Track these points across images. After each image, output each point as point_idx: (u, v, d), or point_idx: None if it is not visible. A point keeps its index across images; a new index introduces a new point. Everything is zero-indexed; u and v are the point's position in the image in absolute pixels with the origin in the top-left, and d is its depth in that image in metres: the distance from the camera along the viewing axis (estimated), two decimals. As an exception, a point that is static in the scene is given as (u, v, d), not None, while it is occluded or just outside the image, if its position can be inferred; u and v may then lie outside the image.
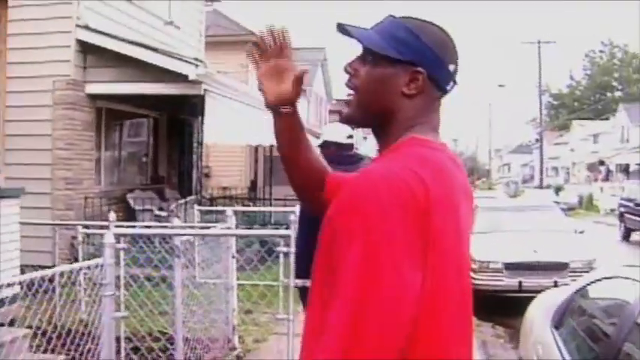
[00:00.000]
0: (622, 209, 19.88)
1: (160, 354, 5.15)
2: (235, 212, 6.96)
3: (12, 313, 4.57)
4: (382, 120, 1.43)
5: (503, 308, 7.97)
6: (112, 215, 6.59)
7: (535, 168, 54.97)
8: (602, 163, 51.99)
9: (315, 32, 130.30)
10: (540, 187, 39.38)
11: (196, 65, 9.78)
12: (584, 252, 9.31)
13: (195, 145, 12.72)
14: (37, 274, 3.73)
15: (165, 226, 7.58)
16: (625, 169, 44.57)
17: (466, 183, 1.46)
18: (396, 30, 1.41)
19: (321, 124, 31.04)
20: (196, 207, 10.36)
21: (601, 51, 67.37)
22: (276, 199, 14.78)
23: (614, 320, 3.14)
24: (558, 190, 37.25)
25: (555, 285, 7.67)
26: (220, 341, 5.51)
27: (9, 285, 4.19)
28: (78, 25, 9.79)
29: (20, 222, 5.88)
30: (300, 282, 3.91)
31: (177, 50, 11.02)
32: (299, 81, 1.59)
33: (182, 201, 11.30)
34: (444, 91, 1.45)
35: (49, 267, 5.41)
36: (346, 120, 1.47)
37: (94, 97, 10.24)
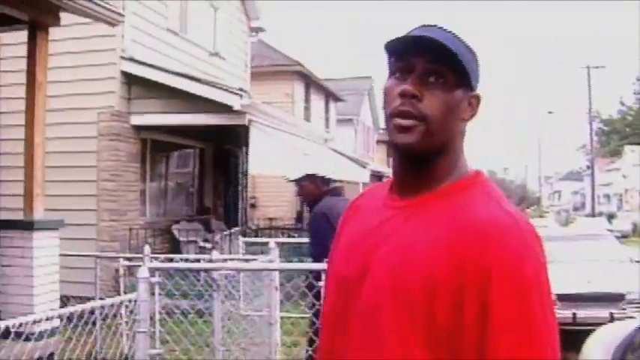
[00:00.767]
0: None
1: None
2: (281, 244, 6.82)
3: (51, 346, 4.50)
4: (442, 149, 1.30)
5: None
6: (147, 249, 6.52)
7: (586, 195, 53.72)
8: (656, 189, 50.47)
9: (362, 61, 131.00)
10: (592, 214, 38.38)
11: (241, 95, 9.79)
12: (642, 283, 8.87)
13: (240, 175, 12.72)
14: (74, 309, 3.65)
15: (201, 260, 7.48)
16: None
17: None
18: (458, 47, 1.26)
19: (369, 154, 30.92)
20: (241, 238, 10.28)
21: (652, 75, 65.96)
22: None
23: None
24: (611, 217, 36.23)
25: (611, 317, 7.29)
26: (262, 377, 5.34)
27: (48, 319, 4.12)
28: (123, 57, 9.92)
29: (61, 254, 5.87)
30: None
31: (222, 81, 11.08)
32: None
33: (227, 232, 11.25)
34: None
35: (91, 299, 5.36)
36: (410, 149, 1.27)
37: (138, 129, 10.33)
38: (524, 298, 1.14)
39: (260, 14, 15.36)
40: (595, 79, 73.75)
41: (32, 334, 4.31)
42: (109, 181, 9.76)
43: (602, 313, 7.78)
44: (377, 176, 24.05)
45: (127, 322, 5.58)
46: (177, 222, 11.84)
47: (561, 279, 8.82)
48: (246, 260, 6.95)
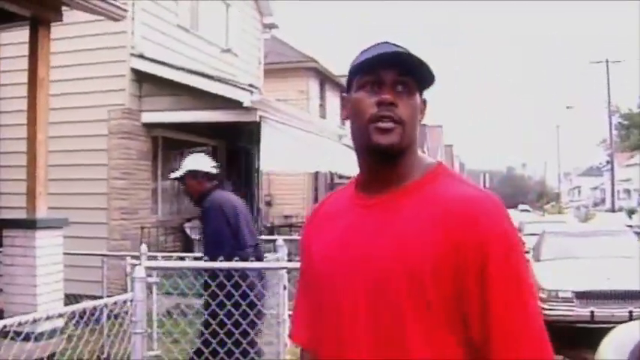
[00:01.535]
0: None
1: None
2: (290, 241, 6.69)
3: (51, 346, 4.42)
4: (410, 148, 1.49)
5: (574, 340, 7.43)
6: (144, 247, 6.43)
7: (606, 191, 53.06)
8: (678, 184, 49.75)
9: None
10: (612, 210, 37.87)
11: (251, 92, 9.69)
12: (662, 280, 8.64)
13: (254, 173, 12.62)
14: (73, 307, 3.56)
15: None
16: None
17: None
18: (418, 59, 1.45)
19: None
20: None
21: (673, 68, 64.94)
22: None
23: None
24: (631, 213, 35.69)
25: (630, 315, 7.10)
26: (270, 377, 5.21)
27: (48, 318, 4.02)
28: (133, 54, 9.86)
29: (68, 253, 5.80)
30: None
31: (235, 78, 10.98)
32: None
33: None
34: None
35: (98, 298, 5.27)
36: (391, 149, 1.45)
37: (149, 126, 10.26)
38: (514, 259, 1.38)
39: (273, 11, 15.25)
40: (614, 73, 72.90)
41: (32, 333, 4.23)
42: (120, 180, 9.70)
43: (622, 311, 7.59)
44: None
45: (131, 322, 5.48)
46: (189, 220, 11.76)
47: (580, 275, 8.65)
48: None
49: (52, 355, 4.40)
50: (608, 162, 47.35)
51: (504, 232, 1.39)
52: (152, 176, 10.70)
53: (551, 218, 24.43)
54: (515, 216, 22.53)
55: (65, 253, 5.74)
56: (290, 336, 1.77)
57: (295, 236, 11.99)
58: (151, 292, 4.19)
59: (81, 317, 3.72)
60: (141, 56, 9.90)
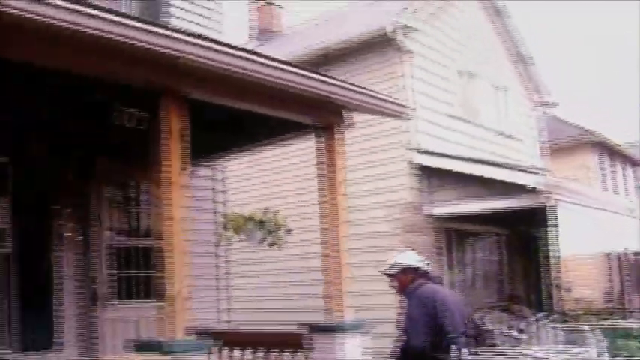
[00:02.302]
0: None
1: None
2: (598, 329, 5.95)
3: None
4: None
5: None
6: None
7: None
8: None
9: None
10: None
11: (539, 174, 9.19)
12: None
13: (545, 258, 11.84)
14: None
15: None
16: None
17: None
18: None
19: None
20: (549, 324, 9.39)
21: None
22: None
23: None
24: None
25: None
26: None
27: None
28: (413, 149, 9.96)
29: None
30: None
31: (513, 161, 10.56)
32: None
33: (533, 318, 10.42)
34: None
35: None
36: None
37: (434, 219, 10.16)
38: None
39: (549, 89, 14.67)
40: None
41: None
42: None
43: None
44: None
45: None
46: (480, 309, 11.29)
47: None
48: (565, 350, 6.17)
49: None
50: None
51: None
52: (440, 268, 10.50)
53: None
54: None
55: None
56: None
57: (603, 323, 10.82)
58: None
59: None
60: (421, 150, 9.98)
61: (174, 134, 4.63)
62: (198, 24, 8.20)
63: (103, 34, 3.88)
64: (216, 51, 4.55)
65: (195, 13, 8.35)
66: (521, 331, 9.88)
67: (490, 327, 10.63)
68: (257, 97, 5.25)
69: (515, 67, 13.83)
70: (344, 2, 15.88)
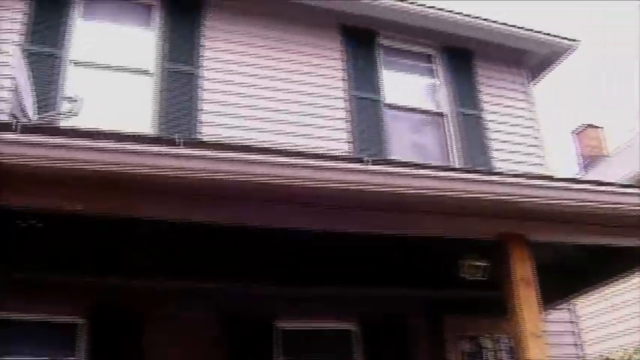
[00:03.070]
0: None
1: None
2: None
3: None
4: None
5: None
6: None
7: None
8: None
9: None
10: None
11: None
12: None
13: None
14: None
15: None
16: None
17: None
18: None
19: None
20: None
21: None
22: None
23: None
24: None
25: None
26: None
27: None
28: None
29: None
30: None
31: None
32: None
33: None
34: None
35: None
36: None
37: None
38: None
39: None
40: None
41: None
42: None
43: None
44: None
45: None
46: None
47: None
48: None
49: None
50: None
51: None
52: None
53: None
54: None
55: None
56: None
57: None
58: None
59: None
60: None
61: (522, 281, 4.42)
62: (519, 162, 8.12)
63: (447, 192, 3.99)
64: (554, 188, 4.36)
65: (514, 152, 8.30)
66: None
67: None
68: (596, 229, 4.84)
69: None
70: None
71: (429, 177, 3.97)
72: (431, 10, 8.19)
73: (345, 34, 8.02)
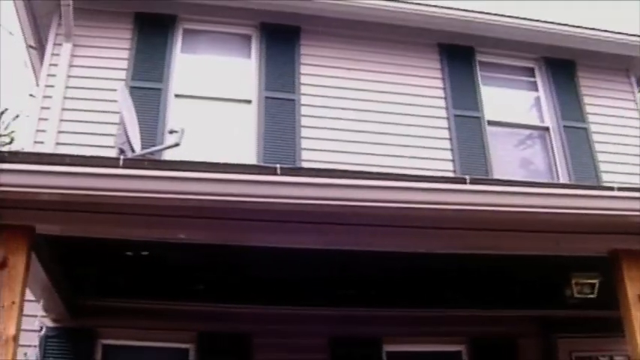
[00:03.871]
0: None
1: None
2: None
3: None
4: None
5: None
6: None
7: None
8: None
9: None
10: None
11: None
12: None
13: None
14: None
15: None
16: None
17: None
18: None
19: None
20: None
21: None
22: None
23: None
24: None
25: None
26: None
27: None
28: None
29: None
30: None
31: None
32: None
33: None
34: None
35: None
36: None
37: None
38: None
39: None
40: None
41: None
42: None
43: None
44: None
45: None
46: None
47: None
48: None
49: None
50: None
51: None
52: None
53: None
54: None
55: None
56: None
57: None
58: None
59: None
60: None
61: (637, 299, 4.23)
62: (629, 174, 7.77)
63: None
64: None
65: (623, 164, 7.96)
66: None
67: None
68: None
69: None
70: None
71: (535, 194, 3.89)
72: (531, 23, 8.05)
73: (443, 53, 8.00)
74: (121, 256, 4.76)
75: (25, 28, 7.45)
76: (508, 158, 7.89)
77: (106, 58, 7.03)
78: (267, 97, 7.22)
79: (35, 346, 4.94)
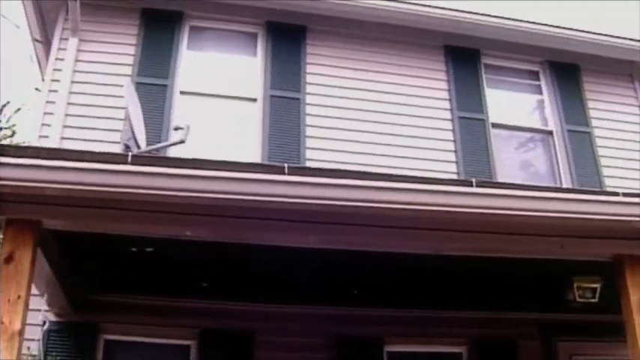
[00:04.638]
0: None
1: None
2: None
3: None
4: None
5: None
6: None
7: None
8: None
9: None
10: None
11: None
12: None
13: None
14: None
15: None
16: None
17: None
18: None
19: None
20: None
21: None
22: None
23: None
24: None
25: None
26: None
27: None
28: None
29: None
30: None
31: None
32: None
33: None
34: None
35: None
36: None
37: None
38: None
39: None
40: None
41: None
42: None
43: None
44: None
45: None
46: None
47: None
48: None
49: None
50: None
51: None
52: None
53: None
54: None
55: None
56: None
57: None
58: None
59: None
60: None
61: (638, 304, 4.24)
62: (633, 179, 7.77)
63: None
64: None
65: (627, 169, 7.96)
66: None
67: None
68: None
69: None
70: None
71: (541, 198, 3.90)
72: (536, 27, 8.05)
73: (449, 55, 8.00)
74: (125, 252, 4.76)
75: (31, 22, 7.45)
76: (511, 161, 7.89)
77: (113, 54, 7.03)
78: (272, 96, 7.23)
79: (38, 341, 4.93)
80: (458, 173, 7.27)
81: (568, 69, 8.39)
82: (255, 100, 7.26)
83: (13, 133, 16.25)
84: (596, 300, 5.52)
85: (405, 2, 7.68)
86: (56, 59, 6.90)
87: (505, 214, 3.82)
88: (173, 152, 6.41)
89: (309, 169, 4.54)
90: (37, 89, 12.16)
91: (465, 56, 8.05)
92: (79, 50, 6.92)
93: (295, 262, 4.96)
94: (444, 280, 5.53)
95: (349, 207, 3.66)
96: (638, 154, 8.05)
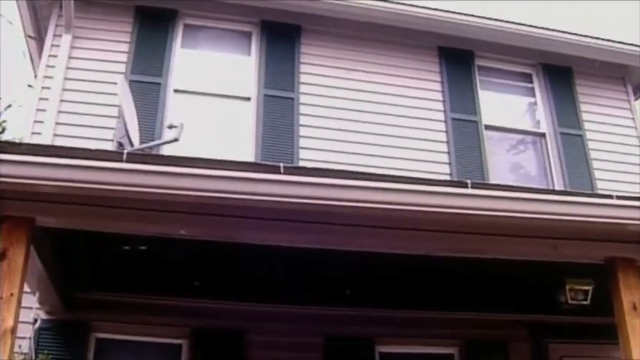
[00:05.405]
0: None
1: None
2: None
3: None
4: None
5: None
6: None
7: None
8: None
9: None
10: None
11: None
12: None
13: None
14: None
15: None
16: None
17: None
18: None
19: None
20: None
21: None
22: None
23: None
24: None
25: None
26: None
27: None
28: None
29: None
30: None
31: None
32: None
33: None
34: None
35: None
36: None
37: None
38: None
39: None
40: None
41: None
42: None
43: None
44: None
45: None
46: None
47: None
48: None
49: None
50: None
51: None
52: None
53: None
54: None
55: None
56: None
57: None
58: None
59: None
60: None
61: (631, 307, 4.25)
62: (624, 182, 7.81)
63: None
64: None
65: (619, 172, 8.00)
66: None
67: None
68: None
69: None
70: None
71: (535, 200, 3.91)
72: (530, 29, 8.08)
73: (443, 56, 8.02)
74: (117, 251, 4.75)
75: (24, 18, 7.39)
76: (504, 163, 7.92)
77: (106, 51, 7.00)
78: (266, 95, 7.22)
79: (29, 339, 4.90)
80: (450, 174, 7.29)
81: (561, 72, 8.42)
82: (249, 99, 7.25)
83: (3, 129, 16.14)
84: (587, 302, 5.55)
85: (400, 3, 7.69)
86: (49, 56, 6.86)
87: (500, 216, 3.83)
88: (166, 150, 6.39)
89: (305, 168, 4.52)
90: (29, 86, 12.11)
91: (459, 58, 8.07)
92: (72, 47, 6.89)
93: (287, 262, 4.95)
94: (437, 281, 5.54)
95: (343, 207, 3.66)
96: (629, 157, 8.10)
